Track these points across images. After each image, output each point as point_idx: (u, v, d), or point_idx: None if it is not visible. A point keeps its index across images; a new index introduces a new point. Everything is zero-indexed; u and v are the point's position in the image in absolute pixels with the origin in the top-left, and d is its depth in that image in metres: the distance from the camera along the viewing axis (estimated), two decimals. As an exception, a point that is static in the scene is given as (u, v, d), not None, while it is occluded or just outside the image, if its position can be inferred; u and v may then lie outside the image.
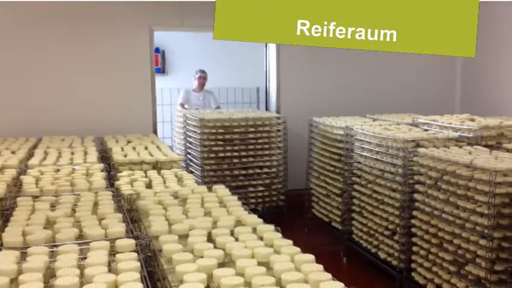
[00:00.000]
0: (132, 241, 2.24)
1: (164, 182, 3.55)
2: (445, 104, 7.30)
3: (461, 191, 3.62)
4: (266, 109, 7.49)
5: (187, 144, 6.39)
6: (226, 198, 3.03)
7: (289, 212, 6.26)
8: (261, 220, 2.58)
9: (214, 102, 7.69)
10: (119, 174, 3.79)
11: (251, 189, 6.05)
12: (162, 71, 8.81)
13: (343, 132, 5.35)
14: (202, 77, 7.62)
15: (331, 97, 7.09)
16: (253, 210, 3.43)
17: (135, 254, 2.12)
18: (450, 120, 4.99)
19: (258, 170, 6.09)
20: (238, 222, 2.60)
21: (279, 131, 6.19)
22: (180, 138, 6.85)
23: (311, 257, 2.10)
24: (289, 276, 1.89)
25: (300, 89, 7.11)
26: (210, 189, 3.25)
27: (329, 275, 1.92)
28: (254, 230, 2.47)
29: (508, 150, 4.29)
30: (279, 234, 2.38)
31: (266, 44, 7.30)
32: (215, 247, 2.23)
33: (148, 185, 3.52)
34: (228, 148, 5.92)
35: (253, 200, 6.02)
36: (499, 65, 6.80)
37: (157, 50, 8.48)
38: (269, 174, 6.15)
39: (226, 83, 8.86)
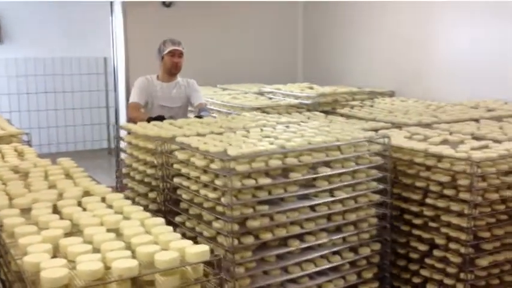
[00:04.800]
0: (-33, 218, 2.09)
1: (3, 157, 3.32)
2: (289, 74, 7.72)
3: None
4: (114, 81, 7.28)
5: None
6: (73, 170, 2.94)
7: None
8: (109, 189, 2.55)
9: (197, 99, 4.60)
10: None
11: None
12: (-4, 39, 8.06)
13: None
14: (178, 53, 4.52)
15: (185, 66, 7.07)
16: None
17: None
18: (292, 88, 5.33)
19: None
20: (86, 193, 2.55)
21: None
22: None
23: (161, 220, 2.15)
24: (139, 239, 1.92)
25: (149, 59, 6.97)
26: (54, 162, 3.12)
27: (178, 235, 1.98)
28: (103, 200, 2.44)
29: (341, 115, 4.71)
30: (129, 201, 2.39)
31: (111, 11, 7.05)
32: (61, 218, 2.17)
33: (-16, 161, 3.26)
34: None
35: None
36: (334, 38, 7.35)
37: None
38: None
39: (70, 53, 8.37)
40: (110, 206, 2.33)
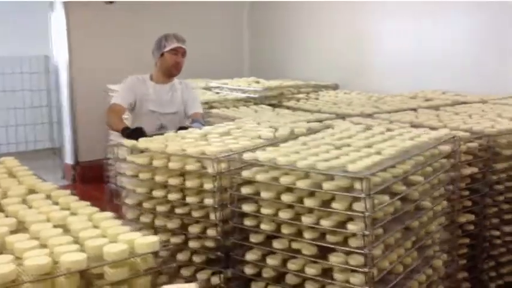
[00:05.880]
0: None
1: None
2: (236, 69, 7.76)
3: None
4: (56, 80, 7.10)
5: None
6: (16, 169, 2.88)
7: (85, 183, 6.14)
8: (55, 186, 2.53)
9: (193, 108, 3.91)
10: None
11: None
12: None
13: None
14: (182, 52, 3.92)
15: (130, 64, 6.98)
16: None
17: None
18: (239, 83, 5.38)
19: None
20: (31, 191, 2.51)
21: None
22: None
23: (109, 214, 2.15)
24: (86, 233, 1.92)
25: (95, 57, 6.86)
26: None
27: (127, 228, 1.99)
28: (49, 197, 2.41)
29: (288, 108, 4.80)
30: (76, 197, 2.37)
31: (53, 9, 6.88)
32: (7, 216, 2.14)
33: None
34: None
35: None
36: (279, 33, 7.46)
37: None
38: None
39: (10, 52, 8.09)
40: (56, 203, 2.31)
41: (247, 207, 2.46)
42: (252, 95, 5.06)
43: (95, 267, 1.75)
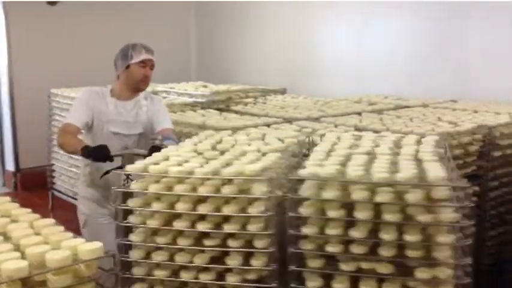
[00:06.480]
0: None
1: None
2: (183, 74, 7.71)
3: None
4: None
5: None
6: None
7: (26, 190, 5.95)
8: (-6, 193, 2.44)
9: (162, 123, 3.37)
10: None
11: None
12: None
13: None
14: (151, 64, 3.39)
15: (74, 67, 6.82)
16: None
17: None
18: (186, 87, 5.36)
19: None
20: (-32, 200, 2.41)
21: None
22: None
23: (51, 221, 2.10)
24: (28, 240, 1.87)
25: (36, 60, 6.66)
26: None
27: (70, 234, 1.95)
28: (-13, 205, 2.32)
29: (236, 112, 4.82)
30: (17, 204, 2.30)
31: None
32: None
33: None
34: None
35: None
36: (227, 38, 7.49)
37: None
38: None
39: None
40: (-5, 211, 2.24)
41: (308, 230, 2.16)
42: (199, 100, 5.05)
43: (37, 275, 1.71)
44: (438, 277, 2.06)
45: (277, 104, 5.28)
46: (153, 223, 2.29)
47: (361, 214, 2.10)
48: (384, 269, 2.10)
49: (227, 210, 2.21)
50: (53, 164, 5.94)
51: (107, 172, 2.92)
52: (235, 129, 3.78)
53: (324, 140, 2.95)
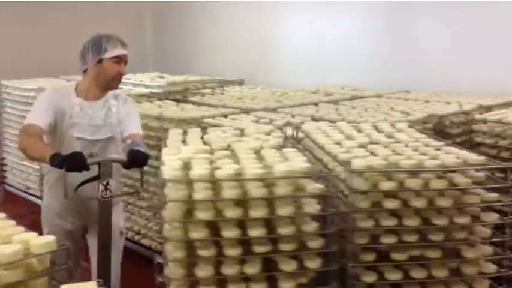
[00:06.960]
0: None
1: None
2: (139, 65, 7.58)
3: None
4: None
5: None
6: None
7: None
8: None
9: (131, 127, 2.87)
10: None
11: None
12: None
13: (35, 94, 5.13)
14: (125, 60, 2.90)
15: (25, 58, 6.60)
16: None
17: None
18: (142, 78, 5.29)
19: None
20: None
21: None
22: None
23: (2, 215, 2.05)
24: (-23, 236, 1.82)
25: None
26: None
27: (22, 228, 1.91)
28: None
29: (193, 103, 4.80)
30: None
31: None
32: None
33: None
34: None
35: None
36: (184, 29, 7.42)
37: None
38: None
39: None
40: None
41: (389, 222, 2.22)
42: (155, 90, 4.99)
43: (-15, 271, 1.66)
44: (483, 255, 2.27)
45: (234, 94, 5.28)
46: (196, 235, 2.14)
47: (416, 203, 2.21)
48: (433, 254, 2.24)
49: (283, 212, 2.14)
50: (4, 158, 5.77)
51: (83, 183, 2.54)
52: (193, 121, 3.77)
53: (314, 132, 2.99)
